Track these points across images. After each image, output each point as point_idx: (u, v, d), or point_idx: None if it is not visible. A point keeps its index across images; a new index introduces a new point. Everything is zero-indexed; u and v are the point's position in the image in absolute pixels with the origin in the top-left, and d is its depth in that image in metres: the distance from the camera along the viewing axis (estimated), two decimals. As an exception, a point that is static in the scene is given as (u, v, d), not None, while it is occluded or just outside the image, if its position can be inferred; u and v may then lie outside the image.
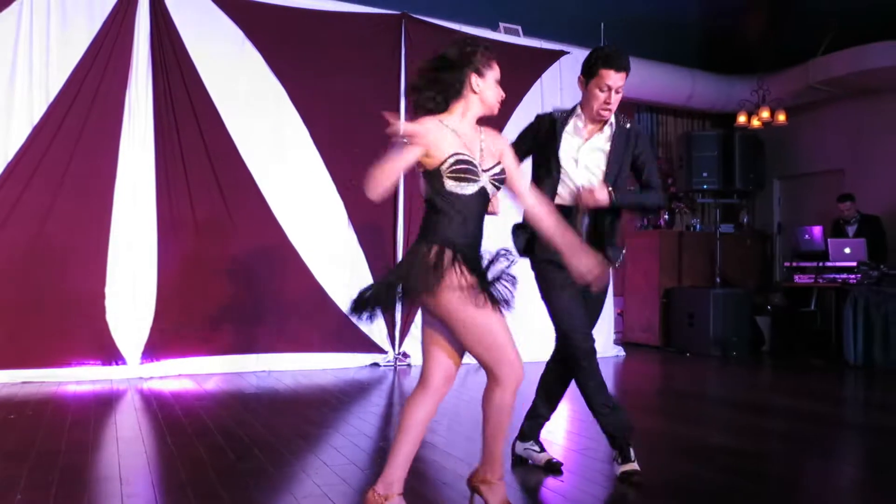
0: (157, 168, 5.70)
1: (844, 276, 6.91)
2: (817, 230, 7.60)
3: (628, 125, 3.31)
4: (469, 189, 2.44)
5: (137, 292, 5.59)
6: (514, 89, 7.10)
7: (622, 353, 7.41)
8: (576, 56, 7.40)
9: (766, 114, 8.10)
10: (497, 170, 2.55)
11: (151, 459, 3.39)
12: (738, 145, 7.85)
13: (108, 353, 5.49)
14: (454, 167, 2.42)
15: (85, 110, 5.46)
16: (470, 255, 2.45)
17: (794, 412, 4.81)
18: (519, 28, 7.26)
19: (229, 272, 5.90)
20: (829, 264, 7.07)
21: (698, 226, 8.69)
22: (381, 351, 6.43)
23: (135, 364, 5.54)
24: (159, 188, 5.69)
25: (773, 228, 9.04)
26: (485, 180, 2.49)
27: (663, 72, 8.22)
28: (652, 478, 3.11)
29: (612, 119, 3.27)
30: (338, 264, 6.28)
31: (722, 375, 6.48)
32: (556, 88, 7.29)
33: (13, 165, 5.26)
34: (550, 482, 3.07)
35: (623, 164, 3.22)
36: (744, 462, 3.48)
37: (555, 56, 7.32)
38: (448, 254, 2.38)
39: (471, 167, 2.45)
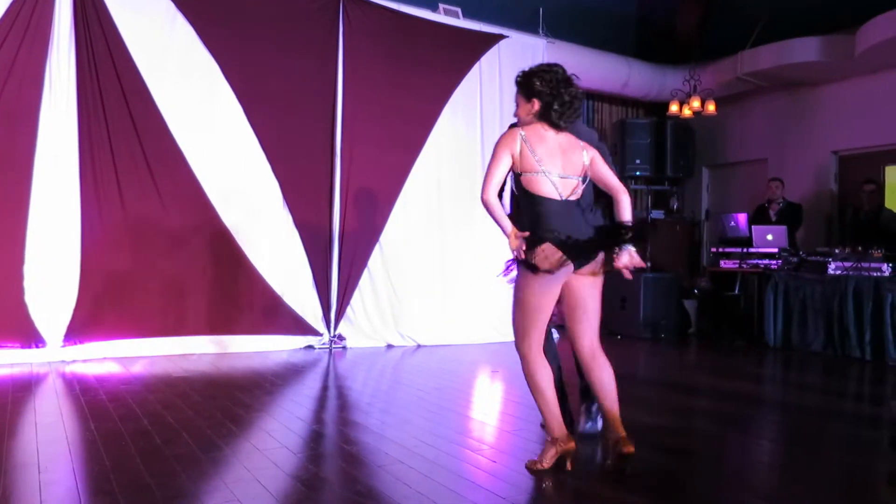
0: (81, 142, 5.45)
1: (766, 261, 7.19)
2: (742, 217, 7.87)
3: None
4: None
5: (59, 272, 5.36)
6: (454, 70, 7.09)
7: (556, 334, 7.51)
8: (514, 40, 7.43)
9: (696, 103, 8.31)
10: None
11: (73, 446, 3.26)
12: (669, 134, 8.04)
13: (28, 336, 5.25)
14: None
15: (1, 81, 5.16)
16: None
17: (719, 391, 4.99)
18: (458, 10, 7.22)
19: (157, 251, 5.71)
20: (752, 250, 7.34)
21: (631, 211, 8.87)
22: (315, 333, 6.36)
23: (56, 347, 5.32)
24: (82, 162, 5.44)
25: (701, 215, 9.32)
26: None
27: (600, 59, 8.33)
28: (586, 458, 3.17)
29: None
30: (272, 244, 6.16)
31: (651, 357, 6.67)
32: (494, 72, 7.30)
33: (-79, 136, 4.94)
34: (485, 464, 3.09)
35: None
36: (673, 440, 3.59)
37: (494, 39, 7.32)
38: None
39: None
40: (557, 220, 2.85)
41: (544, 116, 2.95)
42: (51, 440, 3.30)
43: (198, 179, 5.83)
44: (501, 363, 5.88)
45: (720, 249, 7.74)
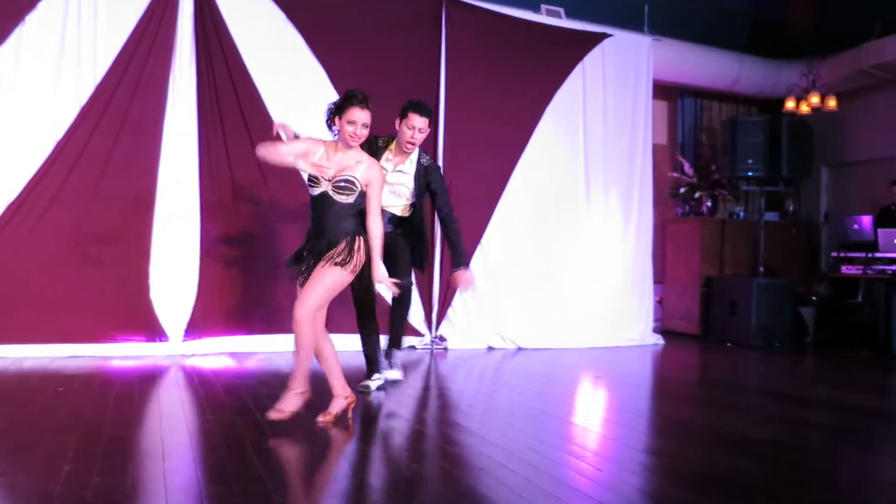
0: (200, 147, 5.77)
1: (894, 267, 6.71)
2: (866, 220, 7.38)
3: (424, 161, 4.26)
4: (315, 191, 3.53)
5: (180, 271, 5.69)
6: (556, 72, 7.02)
7: (661, 341, 7.32)
8: (619, 39, 7.28)
9: (815, 99, 7.87)
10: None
11: (193, 436, 3.45)
12: (785, 131, 7.64)
13: (152, 330, 5.61)
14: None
15: (130, 93, 5.55)
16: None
17: (837, 404, 4.70)
18: (561, 10, 7.15)
19: (270, 254, 5.96)
20: (878, 255, 6.87)
21: (742, 213, 8.51)
22: (417, 334, 6.46)
23: (177, 341, 5.66)
24: (202, 166, 5.76)
25: (819, 217, 8.81)
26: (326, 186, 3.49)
27: (708, 56, 8.03)
28: (691, 469, 3.08)
29: (415, 154, 4.21)
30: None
31: (764, 366, 6.36)
32: (598, 72, 7.18)
33: (61, 146, 5.38)
34: (588, 471, 3.05)
35: (420, 189, 4.24)
36: (784, 454, 3.41)
37: (597, 39, 7.20)
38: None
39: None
40: None
41: None
42: (173, 430, 3.51)
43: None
44: (604, 368, 5.78)
45: (841, 254, 7.30)
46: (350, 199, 3.50)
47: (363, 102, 3.49)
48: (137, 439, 3.37)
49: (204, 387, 4.50)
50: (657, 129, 7.96)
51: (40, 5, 5.35)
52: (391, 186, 4.19)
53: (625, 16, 7.53)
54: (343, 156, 3.52)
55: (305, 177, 3.57)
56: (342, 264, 3.46)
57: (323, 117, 3.58)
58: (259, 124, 5.90)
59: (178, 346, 5.65)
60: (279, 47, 6.01)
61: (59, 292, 5.33)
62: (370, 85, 6.23)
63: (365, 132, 3.52)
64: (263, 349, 5.84)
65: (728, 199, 8.37)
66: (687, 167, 8.15)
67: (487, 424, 3.82)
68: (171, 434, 3.42)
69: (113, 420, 3.61)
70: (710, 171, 8.13)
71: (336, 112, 3.53)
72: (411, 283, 4.63)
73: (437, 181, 4.31)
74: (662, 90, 8.19)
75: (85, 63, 5.47)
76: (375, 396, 4.45)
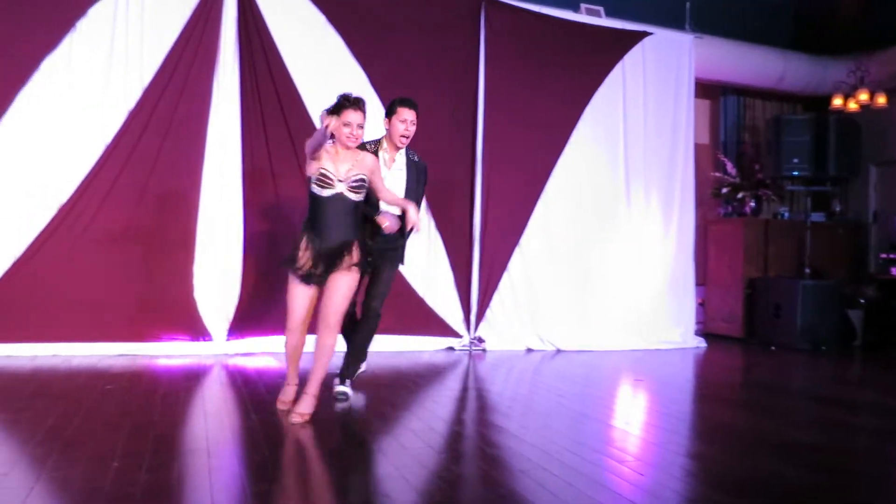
0: (243, 151, 5.87)
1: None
2: (918, 220, 7.17)
3: (415, 158, 4.34)
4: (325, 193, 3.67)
5: (224, 272, 5.79)
6: (596, 72, 6.96)
7: (703, 343, 7.21)
8: (660, 37, 7.19)
9: (864, 96, 7.66)
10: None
11: (236, 434, 3.52)
12: (832, 129, 7.46)
13: (196, 330, 5.72)
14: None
15: (176, 95, 5.67)
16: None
17: (885, 408, 4.58)
18: (601, 9, 7.09)
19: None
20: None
21: (786, 214, 8.33)
22: (456, 335, 6.47)
23: (221, 340, 5.76)
24: (244, 169, 5.86)
25: (867, 217, 8.57)
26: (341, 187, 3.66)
27: (752, 53, 7.87)
28: (735, 474, 3.03)
29: (403, 152, 4.27)
30: (416, 248, 6.33)
31: (809, 369, 6.23)
32: (638, 71, 7.10)
33: (111, 149, 5.51)
34: (630, 475, 3.02)
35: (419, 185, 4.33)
36: (829, 458, 3.34)
37: (638, 37, 7.12)
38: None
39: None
40: None
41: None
42: (217, 428, 3.59)
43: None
44: (645, 371, 5.72)
45: (891, 255, 7.09)
46: (362, 196, 3.74)
47: (356, 104, 3.69)
48: (183, 437, 3.44)
49: (247, 386, 4.58)
50: (699, 128, 7.84)
51: (91, 11, 5.49)
52: (392, 186, 4.13)
53: (666, 13, 7.43)
54: (347, 155, 3.71)
55: (313, 181, 3.69)
56: (358, 267, 3.71)
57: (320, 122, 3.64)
58: (300, 125, 5.97)
59: (222, 345, 5.75)
60: (319, 49, 6.08)
61: (107, 292, 5.47)
62: (409, 86, 6.32)
63: (360, 133, 3.71)
64: (304, 349, 5.89)
65: (772, 199, 8.20)
66: (730, 167, 8.01)
67: (526, 426, 3.82)
68: (216, 432, 3.49)
69: (159, 418, 3.69)
70: (754, 170, 7.97)
71: (332, 115, 3.70)
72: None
73: (425, 179, 4.44)
74: (704, 88, 8.06)
75: (132, 66, 5.60)
76: (413, 397, 4.47)
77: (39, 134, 5.39)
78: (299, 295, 3.75)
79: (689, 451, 3.50)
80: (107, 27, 5.55)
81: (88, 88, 5.51)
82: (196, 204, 5.75)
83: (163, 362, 5.32)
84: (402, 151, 4.30)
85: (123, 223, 5.55)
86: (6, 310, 5.23)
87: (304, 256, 3.69)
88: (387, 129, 4.25)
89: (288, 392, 3.95)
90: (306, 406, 3.66)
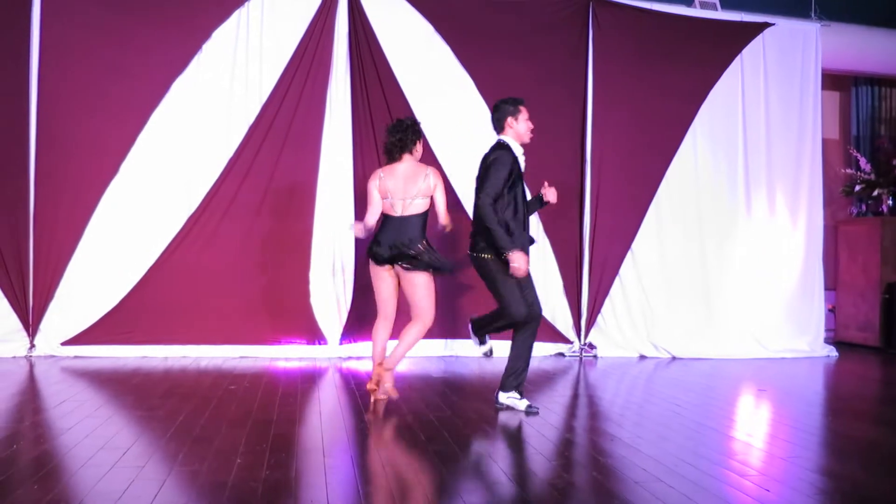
0: (355, 161, 6.04)
1: None
2: None
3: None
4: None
5: (338, 278, 5.98)
6: (711, 67, 6.68)
7: (834, 353, 6.74)
8: (782, 27, 6.81)
9: None
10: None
11: (350, 435, 3.60)
12: (982, 118, 6.80)
13: (312, 334, 5.94)
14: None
15: (292, 109, 5.92)
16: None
17: None
18: (716, 2, 6.80)
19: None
20: None
21: (930, 212, 7.66)
22: (566, 341, 6.37)
23: (335, 344, 5.94)
24: (356, 179, 6.02)
25: None
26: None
27: (887, 39, 7.31)
28: (870, 494, 2.80)
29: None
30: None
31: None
32: (758, 64, 6.75)
33: (233, 163, 5.83)
34: (753, 490, 2.85)
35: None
36: None
37: (757, 29, 6.77)
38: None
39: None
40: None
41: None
42: (332, 428, 3.69)
43: (455, 191, 6.15)
44: (769, 381, 5.40)
45: None
46: (424, 209, 4.25)
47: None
48: (300, 436, 3.56)
49: (359, 388, 4.69)
50: (827, 122, 7.36)
51: (215, 34, 5.84)
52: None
53: (788, 2, 7.02)
54: (408, 168, 4.28)
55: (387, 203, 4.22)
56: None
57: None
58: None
59: (336, 349, 5.93)
60: (427, 58, 6.17)
61: (230, 298, 5.78)
62: (516, 89, 6.29)
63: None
64: (413, 354, 5.98)
65: (914, 196, 7.57)
66: (863, 163, 7.46)
67: (641, 436, 3.69)
68: (331, 433, 3.59)
69: (279, 417, 3.85)
70: (891, 166, 7.38)
71: (417, 137, 4.34)
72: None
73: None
74: (832, 80, 7.56)
75: (252, 83, 5.90)
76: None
77: (169, 150, 5.77)
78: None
79: (820, 467, 3.27)
80: (229, 48, 5.88)
81: (213, 105, 5.84)
82: (311, 213, 5.97)
83: (282, 364, 5.56)
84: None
85: (244, 232, 5.84)
86: (141, 314, 5.64)
87: None
88: (513, 128, 4.29)
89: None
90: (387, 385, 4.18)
